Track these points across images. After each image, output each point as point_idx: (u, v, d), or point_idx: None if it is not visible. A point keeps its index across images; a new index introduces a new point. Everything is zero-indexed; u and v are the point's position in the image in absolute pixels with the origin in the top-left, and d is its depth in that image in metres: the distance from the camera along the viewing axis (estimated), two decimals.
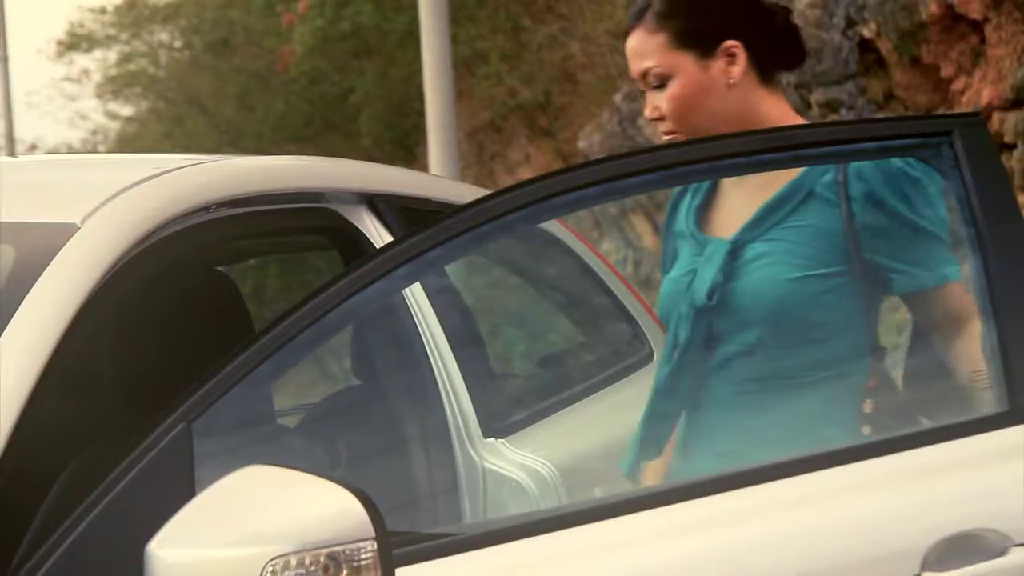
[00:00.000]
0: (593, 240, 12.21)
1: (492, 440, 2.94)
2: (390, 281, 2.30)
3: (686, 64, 2.67)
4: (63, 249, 2.28)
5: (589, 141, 12.99)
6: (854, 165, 2.57)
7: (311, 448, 2.89)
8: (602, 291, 3.74)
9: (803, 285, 2.56)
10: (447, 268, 3.11)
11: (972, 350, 2.53)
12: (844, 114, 9.52)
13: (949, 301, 2.58)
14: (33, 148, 26.76)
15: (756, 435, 2.59)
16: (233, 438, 2.27)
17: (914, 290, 2.58)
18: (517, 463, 2.90)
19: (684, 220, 2.75)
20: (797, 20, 2.80)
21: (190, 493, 2.03)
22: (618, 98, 12.72)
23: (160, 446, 2.06)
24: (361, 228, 2.96)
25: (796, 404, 2.59)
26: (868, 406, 2.59)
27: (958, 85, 8.48)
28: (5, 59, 24.94)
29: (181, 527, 1.98)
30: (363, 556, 1.98)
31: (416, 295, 2.99)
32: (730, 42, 2.67)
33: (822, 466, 2.31)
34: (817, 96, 9.68)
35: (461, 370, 2.99)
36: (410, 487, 2.85)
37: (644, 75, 2.70)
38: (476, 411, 2.97)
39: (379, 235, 2.96)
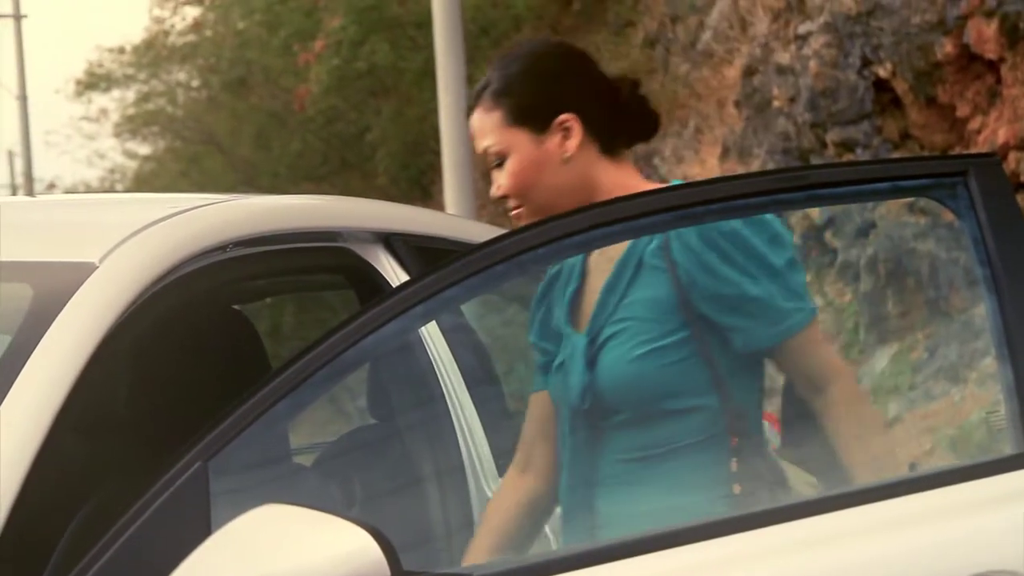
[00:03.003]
0: None
1: None
2: (406, 320, 2.30)
3: (521, 141, 2.65)
4: (81, 288, 2.29)
5: None
6: (675, 231, 2.58)
7: (327, 487, 2.90)
8: None
9: (649, 360, 2.56)
10: (463, 307, 3.12)
11: (830, 408, 2.55)
12: (859, 154, 9.53)
13: (797, 354, 2.57)
14: (51, 187, 26.86)
15: (633, 508, 2.59)
16: (249, 477, 2.27)
17: (753, 349, 2.58)
18: None
19: (559, 309, 2.72)
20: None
21: (206, 531, 2.03)
22: None
23: (176, 484, 2.06)
24: (377, 267, 2.97)
25: (668, 474, 2.58)
26: (734, 465, 2.59)
27: (974, 125, 8.49)
28: (24, 98, 25.05)
29: (197, 566, 1.98)
30: None
31: (432, 333, 3.00)
32: (564, 116, 2.65)
33: (842, 505, 2.31)
34: (832, 135, 9.69)
35: (476, 408, 2.99)
36: (426, 526, 2.85)
37: (484, 153, 2.70)
38: (491, 449, 2.97)
39: (395, 274, 2.97)
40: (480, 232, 3.29)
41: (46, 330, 2.21)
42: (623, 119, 2.72)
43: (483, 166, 15.24)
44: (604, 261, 2.66)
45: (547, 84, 2.68)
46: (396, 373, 3.04)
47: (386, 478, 2.98)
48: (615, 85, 2.73)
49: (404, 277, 2.94)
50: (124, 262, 2.37)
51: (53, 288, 2.31)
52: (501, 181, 2.68)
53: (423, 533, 2.80)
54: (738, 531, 2.25)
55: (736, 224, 2.56)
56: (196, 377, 2.76)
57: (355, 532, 2.00)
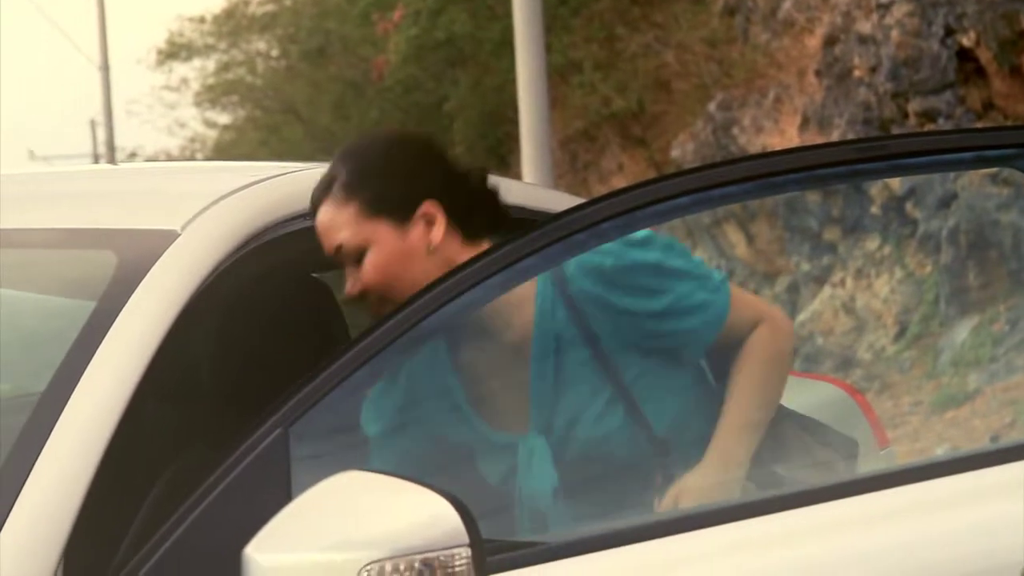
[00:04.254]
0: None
1: None
2: (484, 289, 2.31)
3: (382, 233, 2.54)
4: (164, 255, 2.31)
5: (683, 150, 12.96)
6: (575, 292, 2.59)
7: (405, 453, 2.90)
8: None
9: (602, 426, 2.59)
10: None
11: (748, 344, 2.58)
12: (942, 124, 9.45)
13: (733, 327, 2.62)
14: (133, 156, 27.05)
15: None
16: (329, 443, 2.28)
17: (705, 348, 2.62)
18: None
19: (463, 411, 2.68)
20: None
21: (286, 497, 2.05)
22: (712, 107, 12.68)
23: (258, 450, 2.08)
24: None
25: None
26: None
27: None
28: (106, 68, 25.24)
29: (278, 531, 2.00)
30: (457, 563, 1.99)
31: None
32: (426, 205, 2.56)
33: (911, 480, 2.30)
34: (914, 105, 9.61)
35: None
36: (503, 493, 2.85)
37: (338, 251, 2.56)
38: None
39: None
40: (559, 201, 3.28)
41: (130, 297, 2.23)
42: (479, 206, 2.64)
43: (560, 135, 15.22)
44: (476, 350, 2.63)
45: (405, 173, 2.58)
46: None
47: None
48: (465, 173, 2.65)
49: None
50: (206, 230, 2.39)
51: (136, 255, 2.33)
52: (360, 276, 2.56)
53: (500, 500, 2.80)
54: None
55: (626, 256, 2.58)
56: (277, 344, 2.77)
57: (434, 499, 2.01)
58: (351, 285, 2.58)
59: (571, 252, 2.45)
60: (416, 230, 2.57)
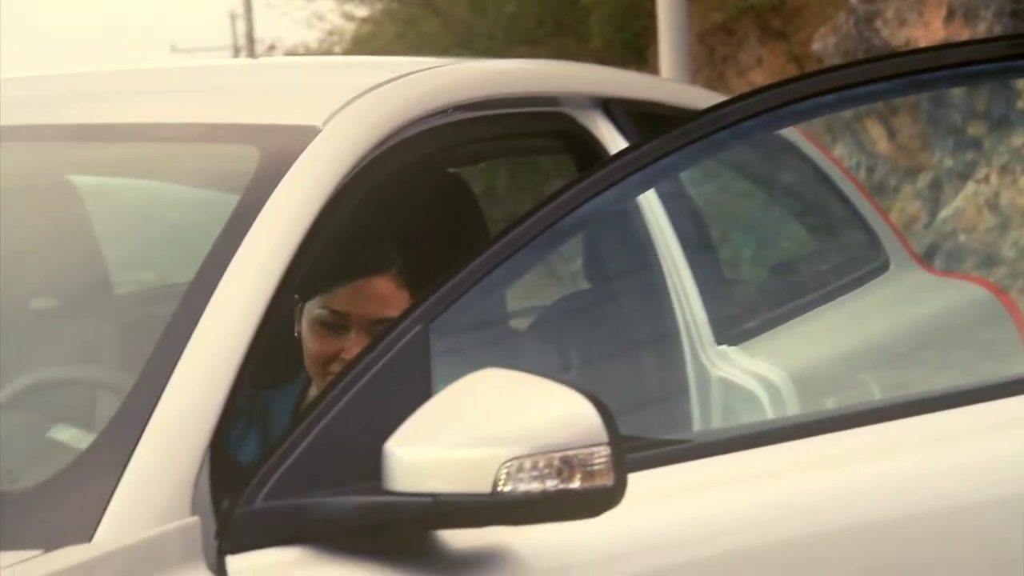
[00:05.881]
0: (825, 145, 12.03)
1: (724, 347, 2.92)
2: (625, 187, 2.29)
3: None
4: (305, 151, 2.32)
5: (824, 43, 12.75)
6: None
7: (543, 351, 2.92)
8: (837, 198, 3.68)
9: None
10: (683, 173, 3.09)
11: None
12: None
13: None
14: (272, 49, 27.18)
15: None
16: (468, 340, 2.29)
17: None
18: (749, 371, 2.89)
19: None
20: None
21: (427, 394, 2.06)
22: None
23: (398, 347, 2.09)
24: (595, 133, 2.96)
25: None
26: None
27: None
28: None
29: (418, 427, 2.01)
30: (596, 461, 1.99)
31: (649, 199, 2.98)
32: None
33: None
34: None
35: (693, 276, 2.98)
36: (641, 392, 2.85)
37: (380, 322, 2.65)
38: (708, 318, 2.95)
39: (613, 140, 2.95)
40: (699, 98, 3.26)
41: (272, 192, 2.25)
42: None
43: (698, 28, 15.06)
44: None
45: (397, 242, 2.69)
46: (612, 239, 3.04)
47: (602, 344, 2.99)
48: None
49: (622, 143, 2.92)
50: (347, 125, 2.40)
51: (278, 150, 2.34)
52: None
53: (638, 399, 2.81)
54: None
55: None
56: (416, 240, 2.79)
57: (573, 397, 2.01)
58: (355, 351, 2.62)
59: (713, 150, 2.43)
60: None
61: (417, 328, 2.11)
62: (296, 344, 2.79)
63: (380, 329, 2.63)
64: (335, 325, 2.69)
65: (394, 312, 2.64)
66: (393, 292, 2.72)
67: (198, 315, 2.10)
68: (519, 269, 2.29)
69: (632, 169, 2.27)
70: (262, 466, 2.03)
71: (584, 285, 3.25)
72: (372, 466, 2.01)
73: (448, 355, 2.15)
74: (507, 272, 2.24)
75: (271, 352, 2.16)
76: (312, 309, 2.72)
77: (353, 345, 2.67)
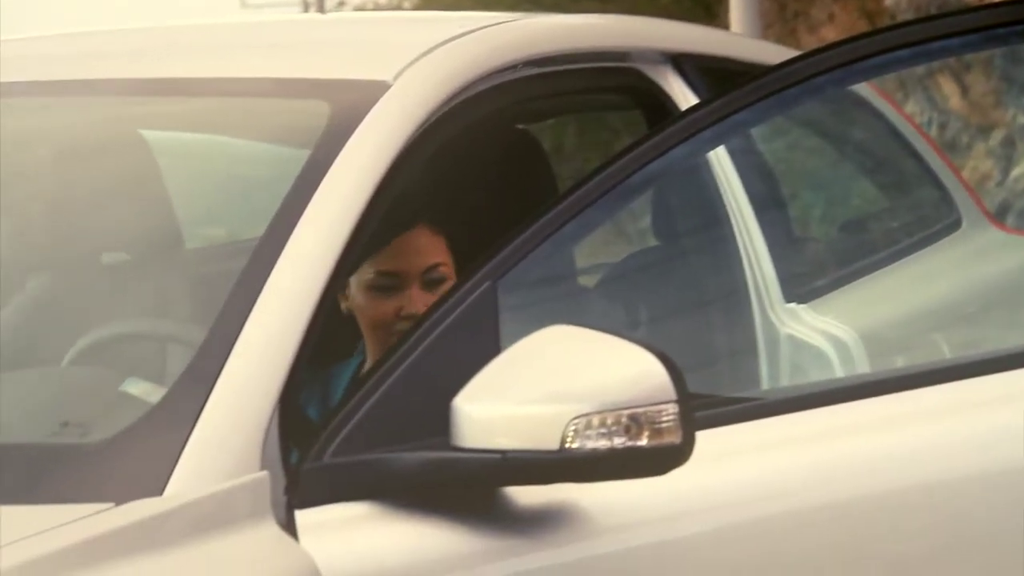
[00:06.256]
0: (897, 101, 11.93)
1: (793, 305, 2.91)
2: (695, 144, 2.29)
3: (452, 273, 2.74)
4: (376, 106, 2.32)
5: None
6: None
7: (611, 309, 2.91)
8: (909, 154, 3.66)
9: None
10: (752, 130, 3.08)
11: None
12: None
13: None
14: (342, 4, 27.20)
15: None
16: (536, 297, 2.29)
17: None
18: (818, 329, 2.87)
19: None
20: None
21: (495, 350, 2.06)
22: None
23: (467, 303, 2.10)
24: (665, 88, 2.94)
25: None
26: None
27: None
28: None
29: (486, 383, 2.02)
30: (664, 418, 1.99)
31: (719, 156, 2.97)
32: None
33: None
34: None
35: (763, 234, 2.96)
36: (709, 350, 2.85)
37: (429, 270, 2.71)
38: (777, 275, 2.94)
39: (683, 95, 2.94)
40: (770, 53, 3.23)
41: (343, 146, 2.25)
42: None
43: None
44: None
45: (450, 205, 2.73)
46: (682, 195, 3.03)
47: (670, 300, 2.98)
48: None
49: (692, 99, 2.91)
50: (418, 81, 2.39)
51: (349, 105, 2.34)
52: (431, 303, 2.68)
53: (707, 357, 2.80)
54: None
55: None
56: (486, 197, 2.79)
57: (642, 354, 2.01)
58: (420, 305, 2.66)
59: (784, 106, 2.42)
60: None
61: (485, 285, 2.11)
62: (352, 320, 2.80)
63: (433, 277, 2.68)
64: (388, 286, 2.71)
65: (439, 258, 2.71)
66: (432, 239, 2.74)
67: (268, 271, 2.11)
68: (588, 226, 2.28)
69: (702, 125, 2.26)
70: (331, 421, 2.04)
71: (653, 242, 3.24)
72: (439, 422, 2.02)
73: (516, 312, 2.15)
74: (576, 229, 2.23)
75: (330, 328, 2.17)
76: (360, 277, 2.73)
77: (412, 299, 2.69)
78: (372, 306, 2.71)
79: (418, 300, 2.68)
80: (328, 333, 2.15)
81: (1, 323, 2.49)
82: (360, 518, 2.01)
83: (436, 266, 2.72)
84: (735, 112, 2.27)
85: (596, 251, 3.95)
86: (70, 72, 2.59)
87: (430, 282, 2.71)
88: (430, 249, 2.73)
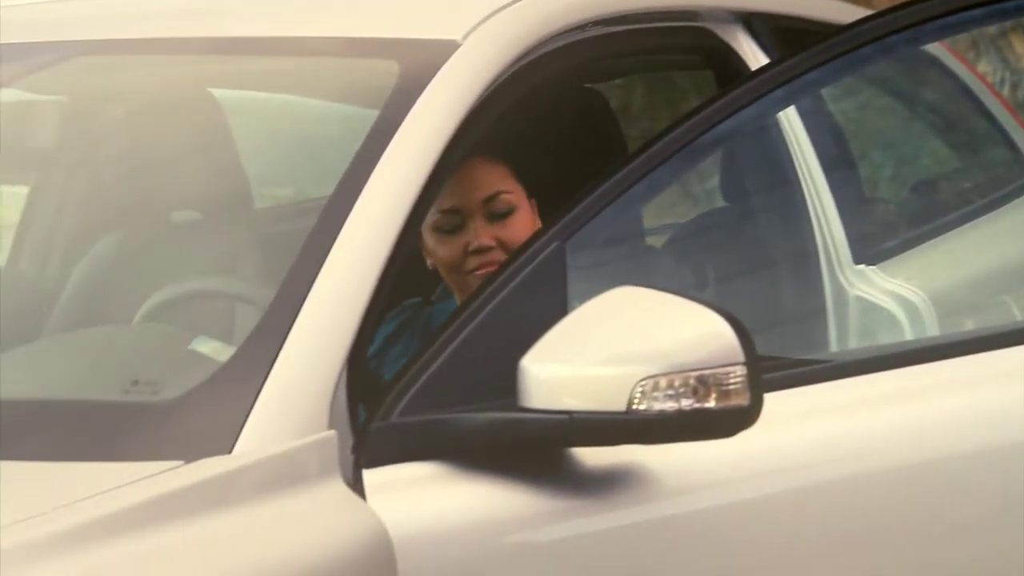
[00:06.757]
0: (970, 60, 11.81)
1: (862, 267, 2.89)
2: (765, 104, 2.27)
3: (523, 201, 2.71)
4: (445, 65, 2.32)
5: None
6: None
7: (679, 270, 2.90)
8: (981, 114, 3.62)
9: None
10: (822, 90, 3.05)
11: None
12: None
13: None
14: None
15: None
16: (605, 257, 2.29)
17: None
18: (888, 291, 2.85)
19: None
20: None
21: (562, 311, 2.06)
22: None
23: (534, 264, 2.09)
24: (736, 48, 2.92)
25: None
26: None
27: None
28: None
29: (554, 344, 2.01)
30: (732, 380, 1.98)
31: (788, 116, 2.95)
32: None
33: None
34: None
35: (833, 195, 2.95)
36: (777, 312, 2.84)
37: (490, 199, 2.68)
38: (847, 237, 2.92)
39: (754, 55, 2.92)
40: (841, 13, 3.21)
41: (412, 106, 2.25)
42: None
43: None
44: None
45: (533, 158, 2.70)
46: (751, 156, 3.01)
47: (738, 261, 2.97)
48: None
49: (763, 59, 2.89)
50: (487, 40, 2.39)
51: (418, 65, 2.34)
52: (500, 234, 2.66)
53: (774, 319, 2.79)
54: None
55: None
56: (555, 156, 2.78)
57: (710, 316, 2.00)
58: (485, 238, 2.65)
59: (855, 66, 2.40)
60: (533, 211, 2.71)
61: (553, 245, 2.10)
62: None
63: (496, 207, 2.67)
64: (451, 224, 2.69)
65: (500, 186, 2.68)
66: (490, 169, 2.72)
67: (337, 230, 2.11)
68: (657, 186, 2.27)
69: (773, 86, 2.24)
70: (398, 381, 2.05)
71: (720, 204, 3.23)
72: (505, 383, 2.02)
73: (584, 272, 2.14)
74: (644, 189, 2.22)
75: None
76: (427, 222, 2.73)
77: (477, 233, 2.68)
78: (441, 248, 2.70)
79: (483, 233, 2.67)
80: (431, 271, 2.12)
81: (73, 281, 2.51)
82: (427, 478, 2.02)
83: (497, 195, 2.69)
84: (806, 72, 2.25)
85: (664, 212, 3.94)
86: (141, 31, 2.60)
87: (494, 213, 2.69)
88: (489, 179, 2.70)
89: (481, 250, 2.66)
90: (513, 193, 2.70)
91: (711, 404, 1.97)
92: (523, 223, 2.68)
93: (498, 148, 2.70)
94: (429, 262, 2.74)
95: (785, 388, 2.17)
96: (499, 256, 2.63)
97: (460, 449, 2.03)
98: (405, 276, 2.15)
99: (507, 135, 2.60)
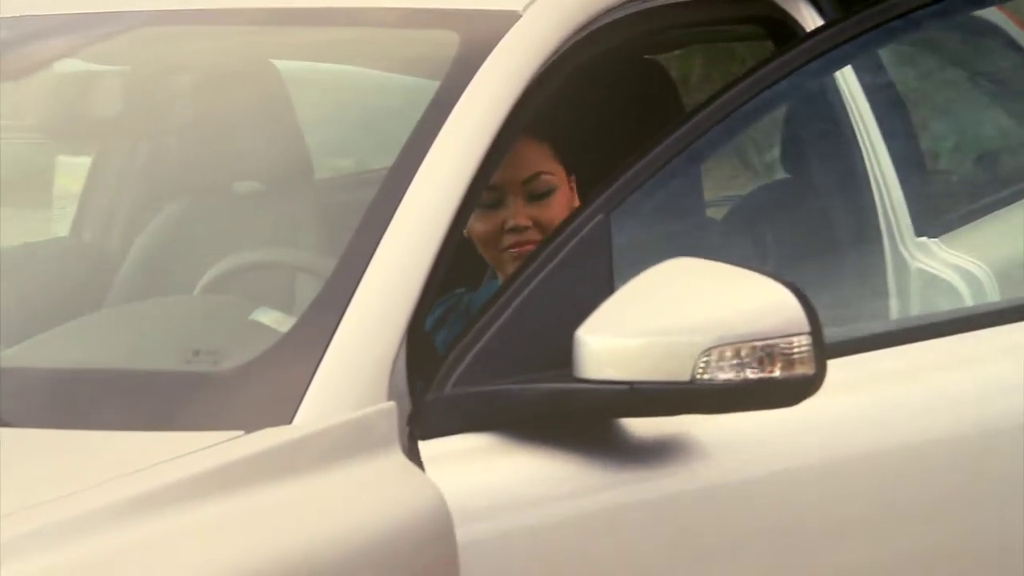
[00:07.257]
0: None
1: (924, 239, 2.88)
2: (824, 72, 2.26)
3: (563, 181, 2.69)
4: (506, 36, 2.31)
5: None
6: None
7: (739, 241, 2.89)
8: None
9: None
10: (882, 58, 3.03)
11: None
12: None
13: None
14: None
15: None
16: (657, 228, 2.28)
17: None
18: (950, 264, 2.83)
19: None
20: None
21: (608, 283, 2.06)
22: None
23: (580, 236, 2.09)
24: (797, 17, 2.90)
25: None
26: None
27: None
28: None
29: (609, 315, 2.01)
30: (797, 350, 1.98)
31: (850, 85, 2.93)
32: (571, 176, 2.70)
33: None
34: None
35: (894, 165, 2.93)
36: (839, 283, 2.82)
37: (531, 179, 2.65)
38: (909, 208, 2.90)
39: (816, 25, 2.90)
40: None
41: (472, 77, 2.24)
42: None
43: None
44: None
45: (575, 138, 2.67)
46: (811, 127, 2.99)
47: (799, 234, 2.95)
48: None
49: None
50: (547, 11, 2.38)
51: (478, 36, 2.33)
52: (537, 214, 2.64)
53: (836, 290, 2.77)
54: None
55: None
56: (615, 127, 2.77)
57: (774, 287, 2.00)
58: (522, 217, 2.64)
59: (912, 29, 2.37)
60: (572, 192, 2.70)
61: (598, 217, 2.10)
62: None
63: (537, 187, 2.67)
64: (491, 200, 2.68)
65: (541, 167, 2.67)
66: (533, 148, 2.70)
67: (398, 201, 2.11)
68: (700, 156, 2.26)
69: (828, 47, 2.22)
70: (451, 352, 2.05)
71: (781, 176, 3.21)
72: (555, 354, 2.01)
73: (639, 243, 2.14)
74: (688, 159, 2.21)
75: (473, 252, 2.15)
76: None
77: (515, 211, 2.68)
78: (479, 222, 2.69)
79: (520, 212, 2.66)
80: (471, 255, 2.14)
81: (135, 252, 2.52)
82: (482, 449, 2.02)
83: (538, 175, 2.68)
84: (864, 34, 2.23)
85: (724, 185, 3.92)
86: (204, 2, 2.60)
87: (533, 193, 2.68)
88: (530, 158, 2.69)
89: (517, 228, 2.66)
90: (554, 174, 2.69)
91: (776, 373, 1.97)
92: (561, 204, 2.68)
93: (543, 127, 2.69)
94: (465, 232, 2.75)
95: (848, 355, 2.17)
96: (535, 236, 2.63)
97: (516, 420, 2.03)
98: (451, 267, 2.15)
99: (556, 112, 2.60)
